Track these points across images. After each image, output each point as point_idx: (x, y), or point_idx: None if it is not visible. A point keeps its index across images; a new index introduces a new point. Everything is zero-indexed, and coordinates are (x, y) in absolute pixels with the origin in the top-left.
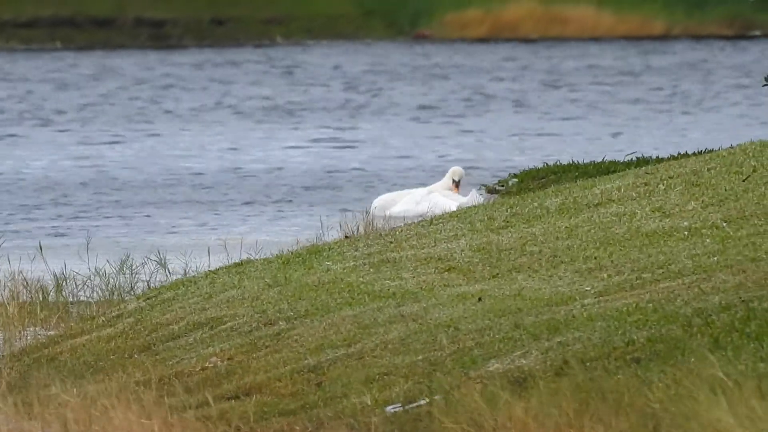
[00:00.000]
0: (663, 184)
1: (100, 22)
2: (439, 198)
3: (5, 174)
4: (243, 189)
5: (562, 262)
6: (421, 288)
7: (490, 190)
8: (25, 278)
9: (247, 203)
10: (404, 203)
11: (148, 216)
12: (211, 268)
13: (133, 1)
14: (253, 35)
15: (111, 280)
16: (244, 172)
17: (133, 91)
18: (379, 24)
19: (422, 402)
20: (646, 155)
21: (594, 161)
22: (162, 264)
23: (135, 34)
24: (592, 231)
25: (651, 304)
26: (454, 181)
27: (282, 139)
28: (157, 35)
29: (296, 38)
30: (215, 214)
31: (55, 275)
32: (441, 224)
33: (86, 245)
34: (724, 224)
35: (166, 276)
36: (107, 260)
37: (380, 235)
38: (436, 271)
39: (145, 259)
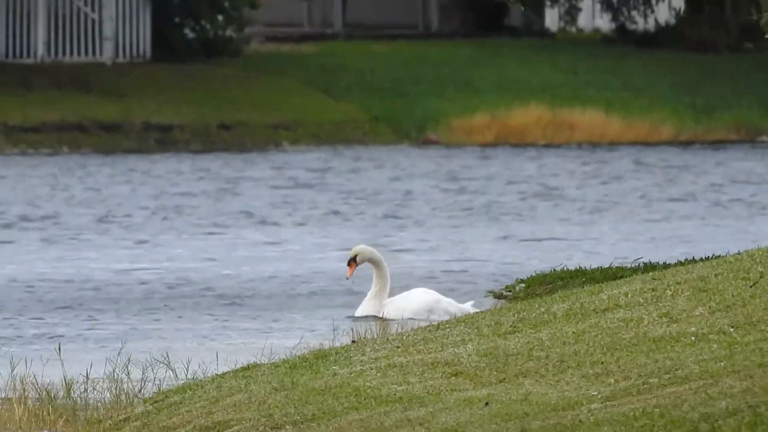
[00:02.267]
0: (670, 290)
1: (107, 126)
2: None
3: (21, 278)
4: (251, 293)
5: (569, 367)
6: (428, 392)
7: (497, 296)
8: (36, 381)
9: (255, 308)
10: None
11: (157, 320)
12: (218, 372)
13: (140, 106)
14: (260, 140)
15: (119, 384)
16: (252, 277)
17: (140, 197)
18: (386, 129)
19: None
20: (653, 261)
21: (601, 267)
22: (170, 368)
23: (142, 139)
24: (600, 336)
25: (658, 409)
26: (351, 259)
27: (291, 242)
28: (164, 140)
29: (303, 144)
30: (223, 318)
31: (64, 378)
32: (448, 329)
33: (96, 349)
34: (732, 330)
35: (175, 380)
36: (117, 364)
37: (387, 339)
38: (443, 375)
39: (154, 362)
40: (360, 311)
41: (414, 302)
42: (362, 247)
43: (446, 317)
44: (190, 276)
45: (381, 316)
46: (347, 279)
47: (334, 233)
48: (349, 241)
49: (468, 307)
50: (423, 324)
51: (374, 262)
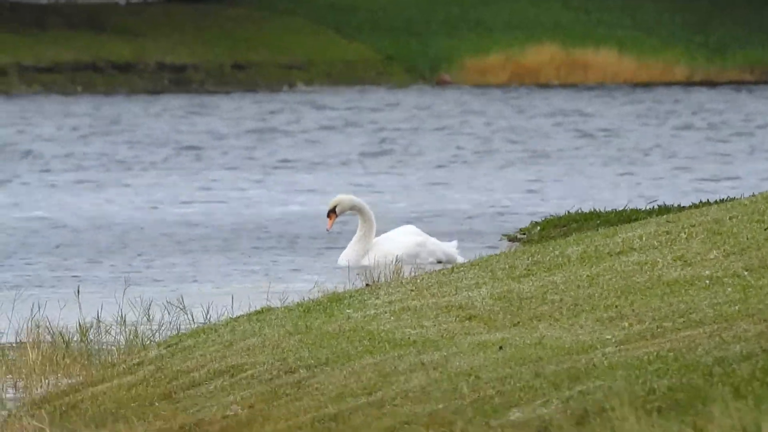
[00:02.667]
0: (684, 233)
1: (120, 66)
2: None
3: (35, 219)
4: (267, 236)
5: (583, 311)
6: (442, 336)
7: (512, 239)
8: (51, 325)
9: (270, 249)
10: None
11: (172, 264)
12: (232, 316)
13: (154, 46)
14: (274, 80)
15: (133, 328)
16: (267, 220)
17: (156, 137)
18: (399, 69)
19: None
20: (667, 203)
21: (616, 209)
22: (184, 311)
23: (156, 79)
24: (614, 280)
25: (672, 353)
26: (331, 210)
27: (305, 185)
28: (179, 80)
29: (316, 83)
30: (238, 261)
31: (79, 323)
32: (462, 272)
33: (113, 292)
34: (746, 273)
35: (189, 323)
36: (132, 307)
37: (401, 283)
38: (457, 319)
39: (168, 306)
40: (343, 256)
41: (399, 245)
42: (341, 197)
43: (431, 258)
44: (208, 218)
45: (366, 262)
46: (327, 231)
47: (345, 176)
48: (358, 185)
49: (453, 246)
50: (438, 268)
51: (357, 209)
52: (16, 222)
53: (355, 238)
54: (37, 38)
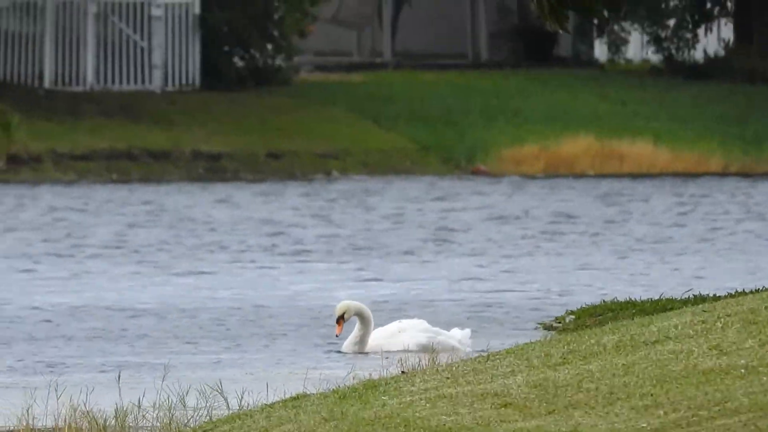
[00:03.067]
0: (720, 322)
1: (156, 155)
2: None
3: (78, 305)
4: (302, 323)
5: (619, 399)
6: (478, 423)
7: (547, 327)
8: (86, 410)
9: (305, 337)
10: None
11: (211, 349)
12: (267, 402)
13: (189, 134)
14: (309, 169)
15: (169, 413)
16: (304, 307)
17: (185, 225)
18: (435, 159)
19: None
20: (703, 293)
21: (651, 299)
22: (222, 395)
23: (191, 168)
24: (649, 368)
25: None
26: (339, 317)
27: (340, 276)
28: (213, 168)
29: (352, 173)
30: (274, 347)
31: (115, 407)
32: (497, 360)
33: (155, 377)
34: None
35: (224, 409)
36: (171, 392)
37: (437, 370)
38: (493, 406)
39: (204, 391)
40: (345, 348)
41: (412, 340)
42: (347, 303)
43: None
44: (242, 305)
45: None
46: (336, 336)
47: (374, 266)
48: (397, 274)
49: (466, 336)
50: (473, 355)
51: (360, 316)
52: (59, 306)
53: (352, 337)
54: (72, 126)
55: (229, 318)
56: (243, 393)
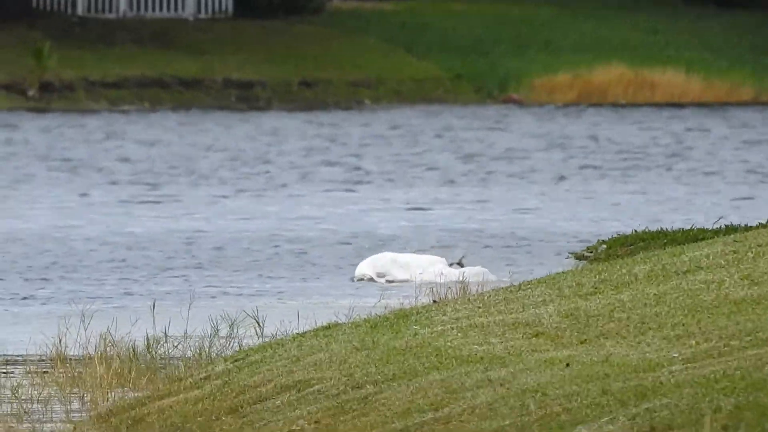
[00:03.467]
0: (752, 252)
1: (187, 82)
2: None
3: (109, 235)
4: (334, 252)
5: (650, 329)
6: (509, 353)
7: (579, 257)
8: (115, 340)
9: (337, 267)
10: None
11: (243, 278)
12: (299, 331)
13: (221, 62)
14: (341, 98)
15: (200, 342)
16: (338, 236)
17: (231, 152)
18: (468, 88)
19: None
20: (734, 223)
21: (682, 228)
22: (258, 324)
23: (222, 96)
24: (680, 298)
25: (738, 372)
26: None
27: (376, 201)
28: (245, 97)
29: (385, 102)
30: (306, 277)
31: (146, 336)
32: (529, 290)
33: (183, 306)
34: None
35: (257, 338)
36: (201, 322)
37: (468, 299)
38: (524, 336)
39: (235, 320)
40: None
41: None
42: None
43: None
44: (280, 234)
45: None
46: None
47: (419, 190)
48: (431, 198)
49: (479, 273)
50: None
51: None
52: (80, 237)
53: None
54: (104, 54)
55: (262, 247)
56: (271, 322)
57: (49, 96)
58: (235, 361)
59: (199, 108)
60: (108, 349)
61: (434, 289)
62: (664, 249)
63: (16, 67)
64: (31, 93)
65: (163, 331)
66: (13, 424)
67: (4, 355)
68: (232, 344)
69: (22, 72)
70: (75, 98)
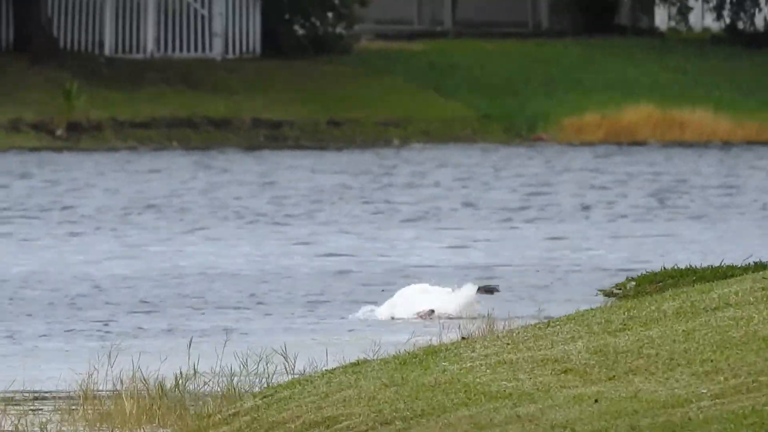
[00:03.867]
0: None
1: (216, 122)
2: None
3: (138, 271)
4: (363, 289)
5: (679, 365)
6: (538, 389)
7: (608, 293)
8: (145, 377)
9: (366, 303)
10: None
11: (268, 314)
12: (327, 368)
13: (249, 102)
14: (369, 137)
15: (230, 378)
16: (366, 272)
17: (255, 190)
18: (496, 127)
19: None
20: (763, 260)
21: (711, 266)
22: (286, 360)
23: (251, 135)
24: (709, 334)
25: (767, 408)
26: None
27: (414, 240)
28: (274, 136)
29: (413, 141)
30: (334, 313)
31: (175, 373)
32: (558, 326)
33: (214, 344)
34: None
35: (285, 374)
36: (231, 358)
37: (497, 336)
38: (553, 372)
39: (265, 357)
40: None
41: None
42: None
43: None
44: (303, 270)
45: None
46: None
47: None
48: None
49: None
50: (532, 322)
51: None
52: (113, 274)
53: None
54: (132, 94)
55: (296, 283)
56: (301, 358)
57: (77, 136)
58: (264, 397)
59: (227, 147)
60: (137, 385)
61: (461, 326)
62: (693, 286)
63: (44, 107)
64: (58, 132)
65: (193, 367)
66: None
67: (33, 391)
68: (261, 381)
69: (51, 112)
70: (103, 138)
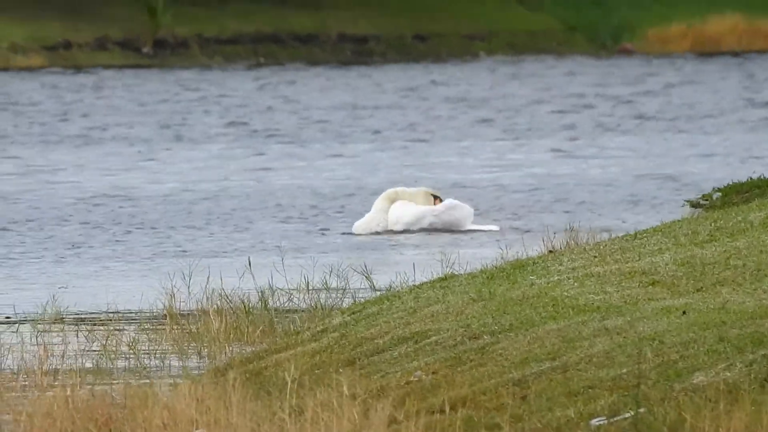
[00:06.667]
0: None
1: (302, 38)
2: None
3: (212, 187)
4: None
5: (766, 276)
6: (626, 302)
7: (694, 205)
8: (227, 294)
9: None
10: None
11: (351, 233)
12: (415, 283)
13: (336, 17)
14: (456, 51)
15: (315, 295)
16: (460, 187)
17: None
18: (582, 39)
19: (627, 415)
20: None
21: None
22: (368, 277)
23: (337, 50)
24: None
25: None
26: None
27: (492, 153)
28: (360, 51)
29: (499, 54)
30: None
31: (259, 290)
32: (645, 238)
33: (287, 259)
34: None
35: (372, 291)
36: (313, 276)
37: (584, 249)
38: (640, 285)
39: (351, 273)
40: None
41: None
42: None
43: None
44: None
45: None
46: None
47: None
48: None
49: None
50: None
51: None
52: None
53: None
54: (219, 10)
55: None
56: (381, 274)
57: (164, 53)
58: (352, 313)
59: (314, 63)
60: (221, 303)
61: (549, 239)
62: None
63: (130, 24)
64: (145, 50)
65: (269, 284)
66: (132, 380)
67: (117, 312)
68: (346, 297)
69: (137, 29)
70: (189, 55)
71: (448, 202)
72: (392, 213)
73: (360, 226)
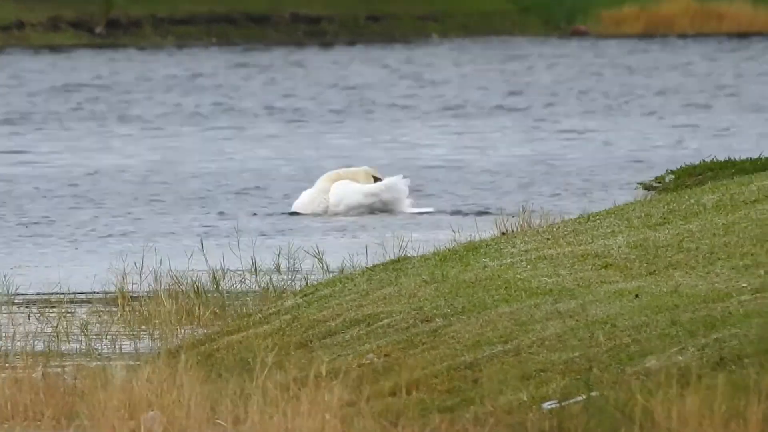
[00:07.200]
0: None
1: (256, 18)
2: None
3: (157, 170)
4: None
5: (719, 259)
6: (578, 285)
7: (647, 187)
8: (179, 276)
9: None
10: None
11: (296, 212)
12: (368, 265)
13: None
14: (409, 32)
15: (267, 277)
16: (410, 170)
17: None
18: (536, 21)
19: (579, 398)
20: None
21: (750, 158)
22: (320, 260)
23: (290, 31)
24: (749, 227)
25: None
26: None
27: (444, 136)
28: (313, 32)
29: (452, 35)
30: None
31: (211, 272)
32: (598, 221)
33: (236, 242)
34: None
35: (323, 273)
36: (261, 257)
37: (537, 231)
38: (593, 267)
39: (302, 255)
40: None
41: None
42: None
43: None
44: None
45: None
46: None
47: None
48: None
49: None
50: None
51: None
52: (138, 172)
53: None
54: None
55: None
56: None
57: (116, 33)
58: (304, 296)
59: (267, 43)
60: (172, 284)
61: (501, 221)
62: (733, 178)
63: (83, 4)
64: (98, 30)
65: (221, 267)
66: (83, 361)
67: (69, 293)
68: (298, 280)
69: (90, 9)
70: (142, 35)
71: (387, 181)
72: (333, 193)
73: (300, 205)
